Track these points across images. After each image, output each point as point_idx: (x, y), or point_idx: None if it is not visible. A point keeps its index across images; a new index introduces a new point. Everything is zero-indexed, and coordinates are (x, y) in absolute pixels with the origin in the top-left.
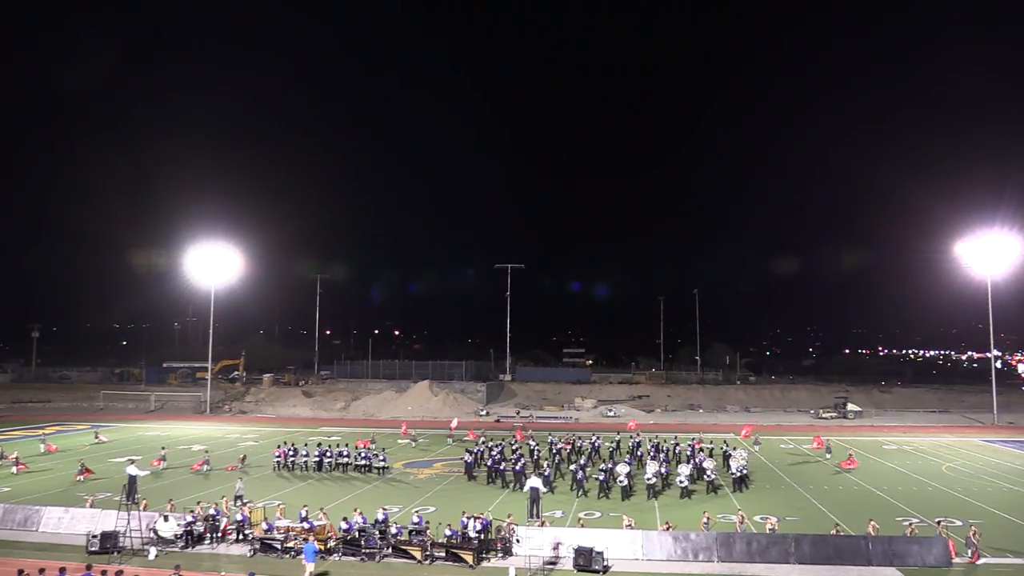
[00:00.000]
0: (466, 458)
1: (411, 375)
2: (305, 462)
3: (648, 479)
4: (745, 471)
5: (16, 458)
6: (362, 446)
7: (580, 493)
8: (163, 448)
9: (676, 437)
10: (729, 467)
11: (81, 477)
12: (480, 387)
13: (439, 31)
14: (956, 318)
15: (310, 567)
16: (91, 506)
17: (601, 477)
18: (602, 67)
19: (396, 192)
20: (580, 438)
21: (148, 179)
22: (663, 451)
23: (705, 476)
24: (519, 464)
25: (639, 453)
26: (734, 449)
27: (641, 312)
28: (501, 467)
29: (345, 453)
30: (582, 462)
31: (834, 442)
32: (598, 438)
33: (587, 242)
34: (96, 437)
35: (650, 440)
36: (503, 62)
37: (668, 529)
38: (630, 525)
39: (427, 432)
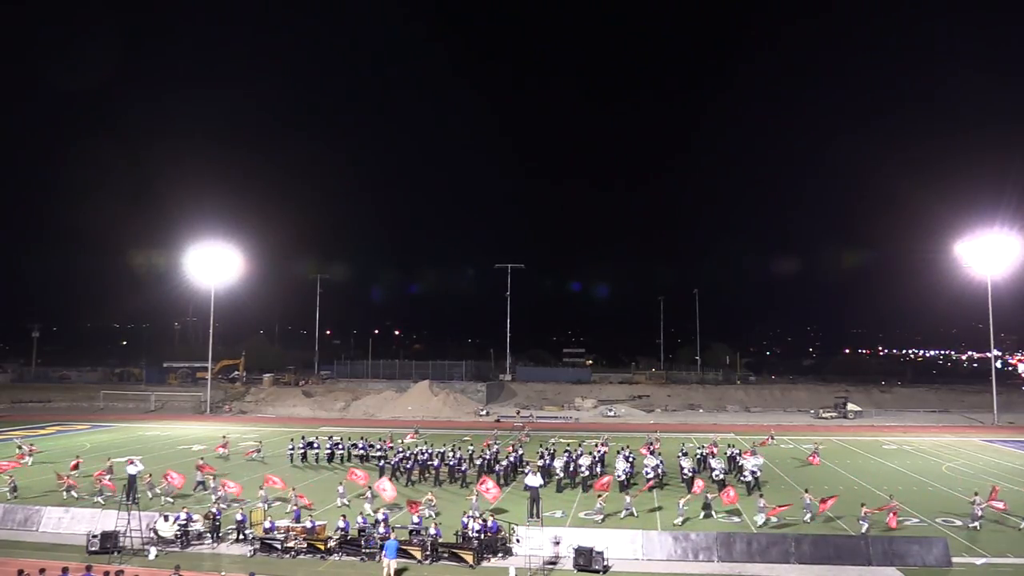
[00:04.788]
0: (392, 461)
1: (411, 375)
2: (316, 455)
3: (647, 474)
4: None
5: None
6: (411, 439)
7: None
8: (224, 436)
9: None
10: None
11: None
12: (480, 387)
13: (439, 31)
14: (956, 318)
15: (392, 564)
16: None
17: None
18: (602, 67)
19: (396, 192)
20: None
21: (148, 179)
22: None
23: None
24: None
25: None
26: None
27: (641, 312)
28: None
29: (361, 446)
30: (519, 453)
31: (835, 441)
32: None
33: (587, 242)
34: (19, 449)
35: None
36: (503, 62)
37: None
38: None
39: (427, 432)
